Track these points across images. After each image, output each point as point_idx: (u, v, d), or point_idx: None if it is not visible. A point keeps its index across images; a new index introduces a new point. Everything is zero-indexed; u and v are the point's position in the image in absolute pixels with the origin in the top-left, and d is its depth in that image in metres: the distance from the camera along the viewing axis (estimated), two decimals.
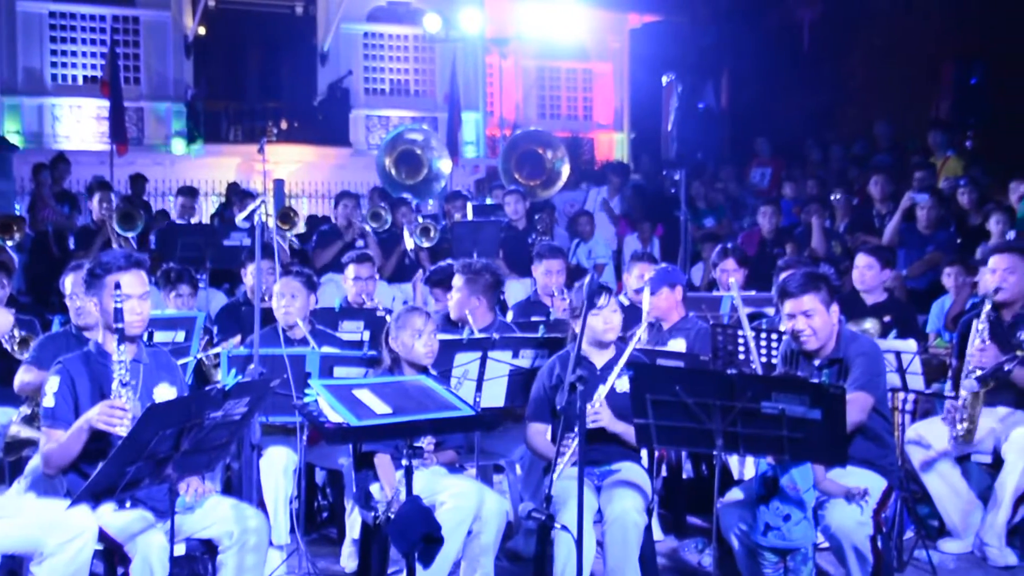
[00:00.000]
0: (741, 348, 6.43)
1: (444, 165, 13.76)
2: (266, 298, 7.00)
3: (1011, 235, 9.74)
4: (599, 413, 5.48)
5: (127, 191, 15.05)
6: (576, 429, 4.86)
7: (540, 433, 5.75)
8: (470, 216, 11.83)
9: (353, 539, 6.13)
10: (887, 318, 7.60)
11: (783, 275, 5.46)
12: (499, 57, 20.61)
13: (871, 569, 4.95)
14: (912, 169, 12.73)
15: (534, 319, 7.46)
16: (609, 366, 5.67)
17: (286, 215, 11.25)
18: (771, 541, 4.98)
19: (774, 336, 6.09)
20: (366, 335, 7.28)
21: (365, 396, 4.68)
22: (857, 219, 11.70)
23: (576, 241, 13.17)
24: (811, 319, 5.29)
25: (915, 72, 18.78)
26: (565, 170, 13.86)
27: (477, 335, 6.51)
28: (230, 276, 10.92)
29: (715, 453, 4.68)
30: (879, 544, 4.99)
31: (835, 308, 5.37)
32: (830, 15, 21.76)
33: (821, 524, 5.04)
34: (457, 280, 7.05)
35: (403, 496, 4.79)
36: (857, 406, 5.17)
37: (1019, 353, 6.24)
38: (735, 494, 5.35)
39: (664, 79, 14.71)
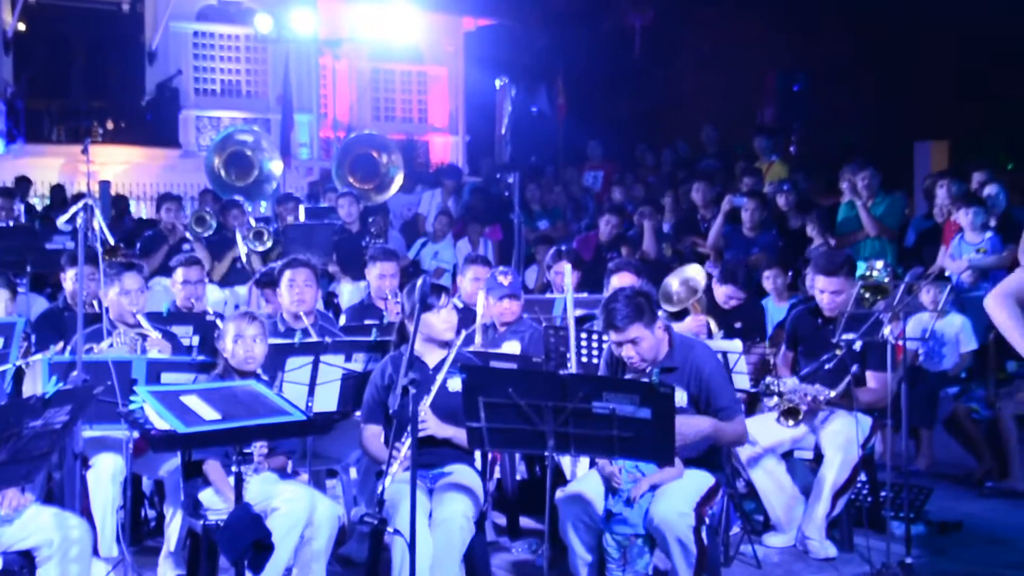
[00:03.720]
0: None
1: (275, 167, 13.57)
2: (93, 303, 6.84)
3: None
4: (425, 421, 5.47)
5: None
6: (408, 433, 4.85)
7: (375, 436, 5.71)
8: (303, 219, 11.71)
9: (170, 551, 6.02)
10: (738, 324, 7.84)
11: (607, 301, 5.46)
12: (332, 59, 20.43)
13: (695, 560, 5.07)
14: (739, 173, 13.08)
15: (367, 322, 7.42)
16: (441, 367, 5.68)
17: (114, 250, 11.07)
18: (617, 529, 5.13)
19: (605, 338, 6.16)
20: (195, 340, 7.15)
21: (193, 402, 4.59)
22: (684, 222, 11.96)
23: (423, 240, 13.15)
24: (639, 346, 5.31)
25: (741, 79, 19.36)
26: (399, 176, 13.81)
27: (314, 337, 6.49)
28: (53, 280, 10.58)
29: (547, 454, 4.74)
30: (703, 536, 5.12)
31: (659, 323, 5.42)
32: (660, 22, 22.25)
33: (646, 517, 5.14)
34: (303, 276, 6.99)
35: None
36: (740, 432, 5.36)
37: (838, 352, 6.45)
38: (576, 485, 5.43)
39: (498, 83, 14.81)
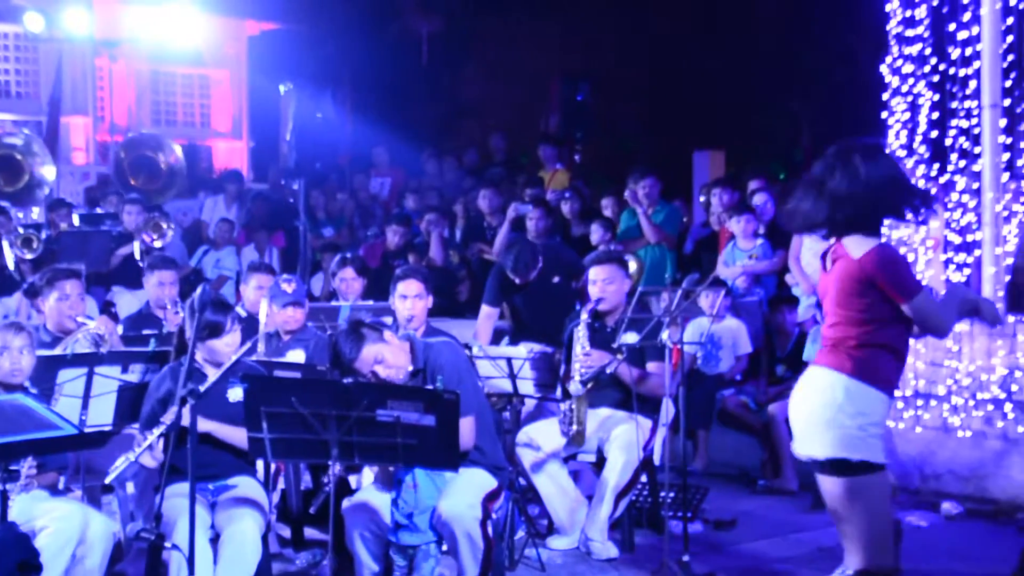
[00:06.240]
0: None
1: (48, 171, 13.05)
2: None
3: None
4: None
5: None
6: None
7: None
8: (77, 225, 11.29)
9: None
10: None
11: (330, 347, 5.43)
12: (109, 60, 19.76)
13: (481, 555, 5.13)
14: (524, 182, 13.23)
15: (146, 332, 7.21)
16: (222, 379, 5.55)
17: None
18: (403, 539, 5.09)
19: None
20: None
21: None
22: (471, 229, 12.04)
23: (205, 248, 12.84)
24: (384, 363, 5.26)
25: (526, 88, 19.58)
26: (182, 168, 13.59)
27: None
28: None
29: (331, 464, 4.69)
30: (488, 531, 5.18)
31: (390, 334, 5.38)
32: (448, 29, 22.33)
33: (433, 515, 5.14)
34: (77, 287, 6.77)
35: None
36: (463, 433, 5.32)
37: (620, 356, 6.60)
38: (362, 495, 5.41)
39: (282, 88, 14.60)
